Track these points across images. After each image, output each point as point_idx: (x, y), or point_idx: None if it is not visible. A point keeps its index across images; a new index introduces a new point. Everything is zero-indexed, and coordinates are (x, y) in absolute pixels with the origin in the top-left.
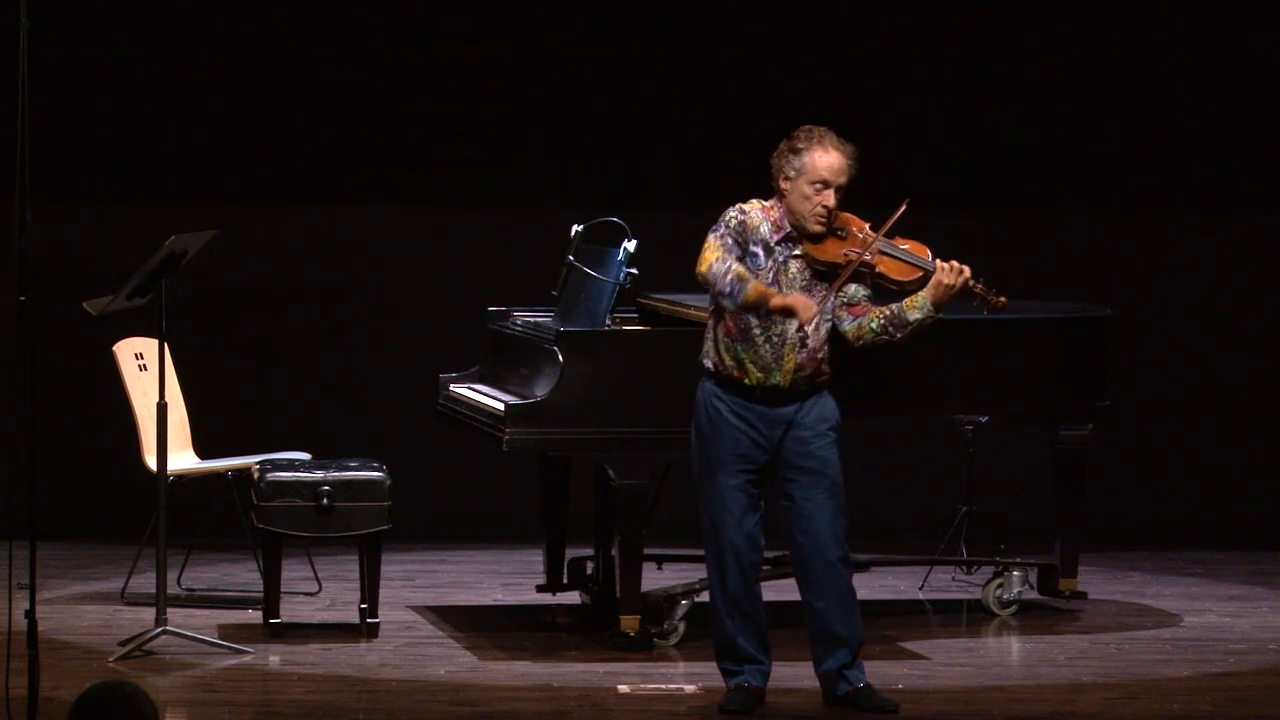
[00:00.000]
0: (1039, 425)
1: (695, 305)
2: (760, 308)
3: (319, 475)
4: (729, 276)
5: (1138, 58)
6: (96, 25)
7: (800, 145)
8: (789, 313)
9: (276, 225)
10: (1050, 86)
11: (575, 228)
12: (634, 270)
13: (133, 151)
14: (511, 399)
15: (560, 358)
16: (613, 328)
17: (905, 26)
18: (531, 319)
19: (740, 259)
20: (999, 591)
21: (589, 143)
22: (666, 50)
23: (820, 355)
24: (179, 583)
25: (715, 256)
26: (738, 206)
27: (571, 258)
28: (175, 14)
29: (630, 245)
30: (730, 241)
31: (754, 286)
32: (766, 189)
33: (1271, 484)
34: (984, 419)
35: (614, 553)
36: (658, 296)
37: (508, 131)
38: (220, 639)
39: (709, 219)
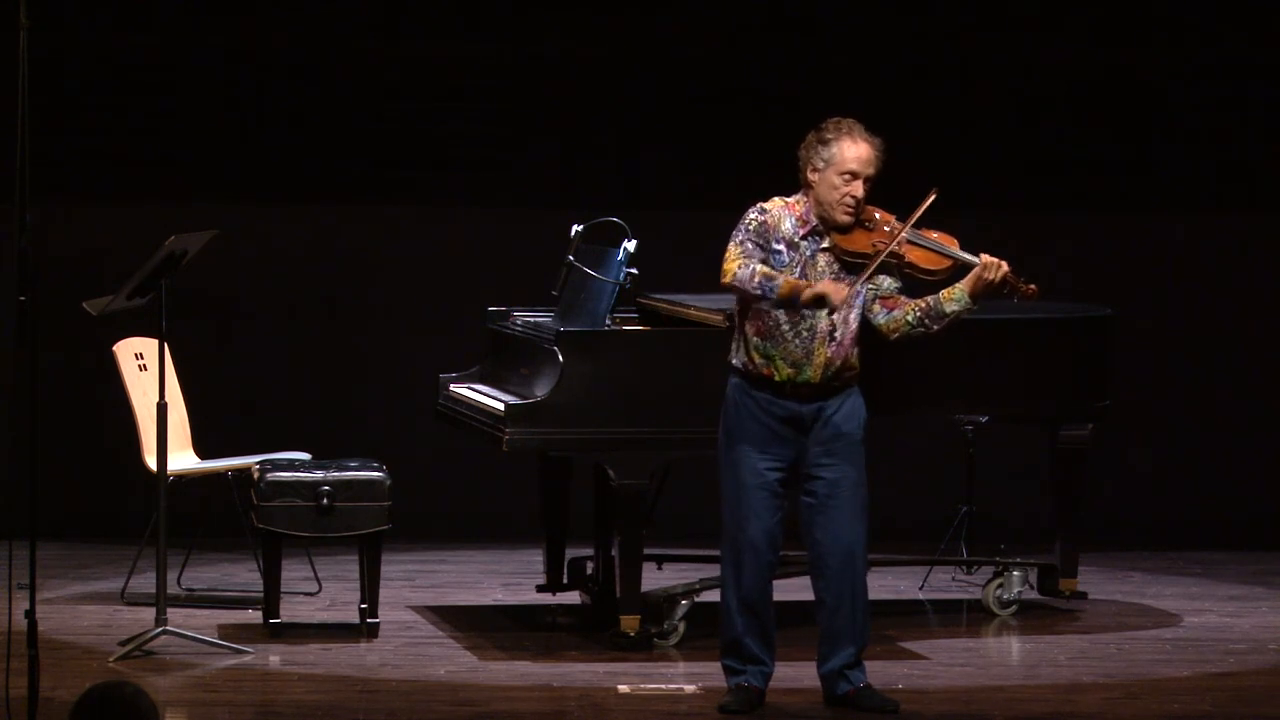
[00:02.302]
0: (1039, 425)
1: (695, 305)
2: (794, 301)
3: (319, 475)
4: (756, 279)
5: (1137, 58)
6: (96, 24)
7: (829, 136)
8: (822, 301)
9: (277, 225)
10: (1050, 86)
11: (575, 228)
12: (634, 270)
13: (133, 151)
14: (511, 399)
15: (560, 358)
16: (613, 328)
17: (905, 27)
18: (531, 319)
19: (762, 261)
20: (999, 591)
21: (589, 143)
22: (667, 50)
23: (850, 349)
24: (179, 583)
25: (736, 264)
26: (757, 206)
27: (571, 258)
28: (175, 13)
29: (630, 245)
30: (750, 246)
31: (785, 281)
32: (767, 189)
33: (1271, 484)
34: (984, 419)
35: (614, 553)
36: (658, 296)
37: (508, 131)
38: (220, 639)
39: (710, 219)
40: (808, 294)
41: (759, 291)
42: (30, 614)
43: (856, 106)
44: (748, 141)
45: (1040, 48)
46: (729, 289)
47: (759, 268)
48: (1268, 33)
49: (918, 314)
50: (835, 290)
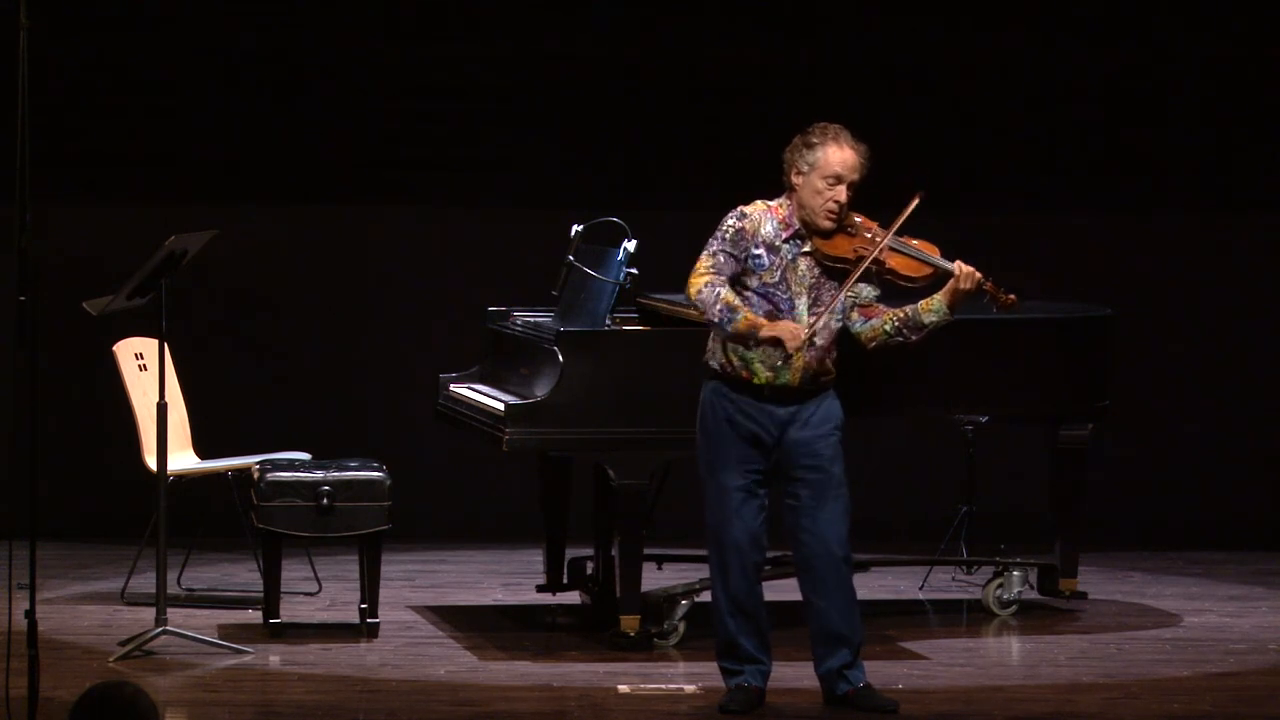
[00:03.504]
0: (1039, 425)
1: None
2: (749, 338)
3: (319, 475)
4: (718, 305)
5: (1138, 58)
6: (97, 25)
7: (814, 140)
8: (776, 343)
9: (277, 225)
10: (1050, 86)
11: (575, 228)
12: (634, 270)
13: (133, 151)
14: (511, 399)
15: (560, 358)
16: (613, 328)
17: (905, 26)
18: (531, 319)
19: (734, 276)
20: (999, 591)
21: (589, 143)
22: (667, 50)
23: (827, 355)
24: (179, 583)
25: (705, 281)
26: (737, 211)
27: (571, 258)
28: (176, 14)
29: (630, 245)
30: (722, 259)
31: (744, 317)
32: (767, 189)
33: (1271, 484)
34: (984, 419)
35: (614, 553)
36: (658, 296)
37: (508, 131)
38: (220, 639)
39: (710, 219)
40: (764, 334)
41: (716, 320)
42: (30, 614)
43: (856, 106)
44: (747, 142)
45: (1040, 47)
46: (691, 302)
47: (725, 294)
48: (1268, 32)
49: (895, 324)
50: (791, 337)
